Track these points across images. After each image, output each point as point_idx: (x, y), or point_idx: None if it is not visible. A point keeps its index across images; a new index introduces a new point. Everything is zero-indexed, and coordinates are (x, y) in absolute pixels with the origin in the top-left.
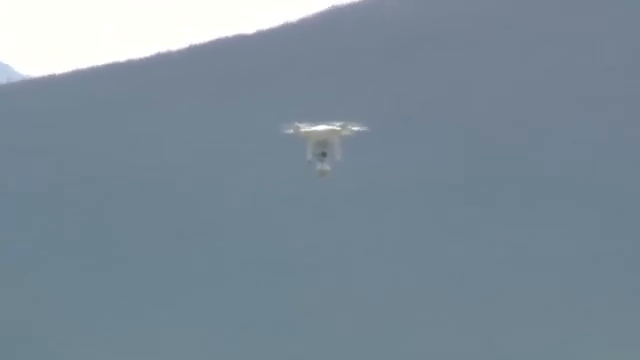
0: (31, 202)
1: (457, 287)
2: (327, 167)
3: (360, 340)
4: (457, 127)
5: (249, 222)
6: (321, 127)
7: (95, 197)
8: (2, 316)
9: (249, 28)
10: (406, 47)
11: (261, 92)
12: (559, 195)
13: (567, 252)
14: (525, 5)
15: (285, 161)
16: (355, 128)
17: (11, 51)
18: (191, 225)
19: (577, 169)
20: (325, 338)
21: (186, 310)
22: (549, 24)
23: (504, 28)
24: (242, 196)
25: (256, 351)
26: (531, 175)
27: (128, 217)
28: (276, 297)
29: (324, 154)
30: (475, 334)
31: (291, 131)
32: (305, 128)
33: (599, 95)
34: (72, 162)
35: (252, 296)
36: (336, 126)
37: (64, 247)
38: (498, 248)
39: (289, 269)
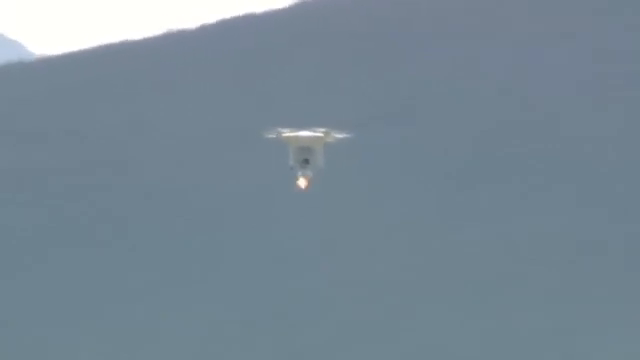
0: (30, 189)
1: (458, 276)
2: (309, 174)
3: (361, 331)
4: (463, 110)
5: (252, 209)
6: (303, 133)
7: (97, 184)
8: (1, 308)
9: (258, 7)
10: (414, 29)
11: (271, 73)
12: (565, 181)
13: (573, 238)
14: None
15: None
16: (339, 135)
17: (22, 28)
18: (193, 215)
19: (584, 155)
20: (325, 330)
21: (187, 301)
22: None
23: (514, 13)
24: (245, 184)
25: (257, 344)
26: (537, 161)
27: (130, 205)
28: (278, 289)
29: (306, 161)
30: (477, 323)
31: (273, 136)
32: (287, 133)
33: (609, 80)
34: (75, 147)
35: (254, 289)
36: (319, 133)
37: (65, 236)
38: (501, 235)
39: (289, 260)
